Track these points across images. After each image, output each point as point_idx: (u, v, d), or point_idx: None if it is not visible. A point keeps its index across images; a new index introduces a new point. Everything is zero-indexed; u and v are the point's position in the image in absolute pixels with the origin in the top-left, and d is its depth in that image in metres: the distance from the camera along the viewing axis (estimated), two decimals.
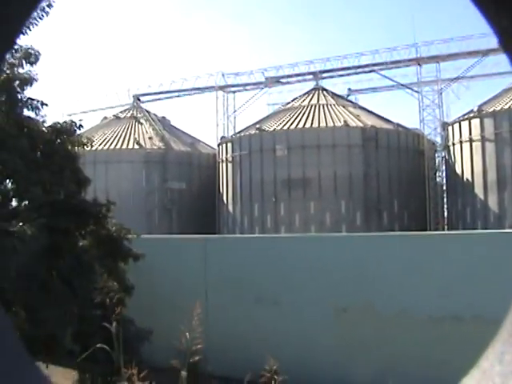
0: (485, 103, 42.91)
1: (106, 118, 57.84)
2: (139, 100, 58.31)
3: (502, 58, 46.86)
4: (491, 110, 40.93)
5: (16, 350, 1.90)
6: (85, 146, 16.64)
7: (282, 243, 19.34)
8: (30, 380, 1.90)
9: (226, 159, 48.30)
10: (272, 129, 45.93)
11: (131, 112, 56.88)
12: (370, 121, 46.38)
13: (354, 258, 16.22)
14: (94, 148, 40.92)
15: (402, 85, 51.46)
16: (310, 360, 16.06)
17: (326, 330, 16.26)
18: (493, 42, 43.81)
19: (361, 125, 45.07)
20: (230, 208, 46.93)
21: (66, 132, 15.68)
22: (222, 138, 51.83)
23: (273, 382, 8.29)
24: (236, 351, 16.80)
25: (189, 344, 6.89)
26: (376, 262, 15.88)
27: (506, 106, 40.19)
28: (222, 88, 54.77)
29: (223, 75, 54.49)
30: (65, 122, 15.82)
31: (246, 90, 55.43)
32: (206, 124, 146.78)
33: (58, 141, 15.63)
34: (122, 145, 50.91)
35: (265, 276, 17.38)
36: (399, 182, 44.66)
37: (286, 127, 45.52)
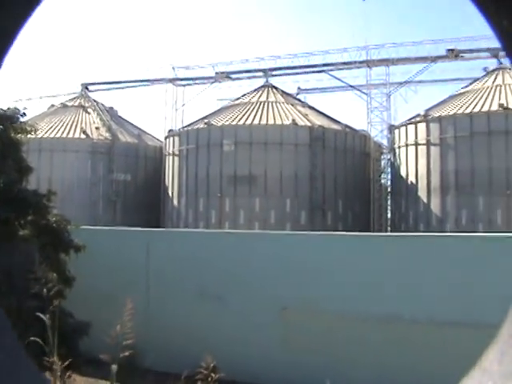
0: (431, 108, 43.61)
1: (52, 105, 57.02)
2: (87, 89, 57.70)
3: (450, 65, 48.06)
4: (437, 115, 41.57)
5: (15, 350, 1.86)
6: (29, 134, 16.36)
7: (225, 239, 19.28)
8: (29, 380, 1.85)
9: (173, 152, 48.08)
10: (220, 124, 45.85)
11: (79, 101, 56.22)
12: (318, 120, 46.62)
13: (298, 257, 16.26)
14: (39, 136, 40.45)
15: (351, 86, 51.91)
16: (250, 357, 16.07)
17: (267, 328, 16.28)
18: (441, 49, 44.72)
19: (309, 124, 45.26)
20: (175, 202, 46.75)
21: (9, 119, 15.39)
22: (170, 131, 51.51)
23: (209, 379, 8.28)
24: (176, 346, 16.70)
25: (120, 338, 6.84)
26: (319, 261, 15.94)
27: (452, 112, 40.87)
28: (171, 81, 54.48)
29: (173, 68, 54.25)
30: (8, 108, 15.53)
31: (196, 83, 55.31)
32: (154, 116, 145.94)
33: (1, 127, 15.33)
34: (68, 134, 50.25)
35: (208, 271, 17.32)
36: (345, 182, 45.00)
37: (233, 123, 45.48)
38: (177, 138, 48.24)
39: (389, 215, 47.58)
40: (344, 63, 49.04)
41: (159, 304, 17.40)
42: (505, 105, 39.05)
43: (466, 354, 11.71)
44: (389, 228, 46.28)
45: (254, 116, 46.10)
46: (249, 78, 54.23)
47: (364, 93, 49.99)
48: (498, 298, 12.93)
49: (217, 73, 52.92)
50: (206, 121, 46.91)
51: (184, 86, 55.55)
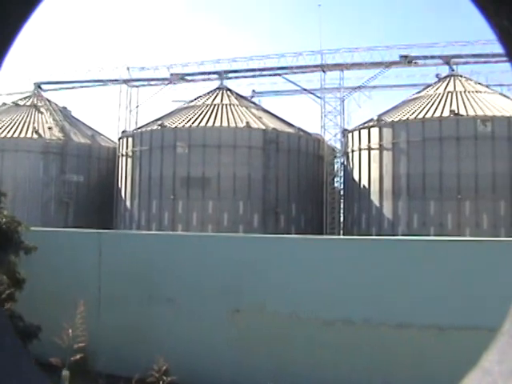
0: (384, 113, 44.12)
1: (4, 104, 56.21)
2: (40, 88, 56.95)
3: (403, 70, 48.60)
4: (390, 120, 42.09)
5: (15, 349, 1.86)
6: None
7: (177, 241, 19.23)
8: (30, 380, 1.85)
9: (126, 154, 47.80)
10: (174, 126, 45.71)
11: (31, 100, 55.49)
12: (272, 123, 46.78)
13: (249, 259, 16.27)
14: None
15: (305, 90, 52.17)
16: (202, 360, 16.04)
17: (219, 330, 16.26)
18: (395, 54, 45.37)
19: (262, 127, 45.40)
20: (128, 203, 46.48)
21: None
22: (123, 132, 51.19)
23: (161, 382, 8.26)
24: (128, 349, 16.59)
25: (71, 342, 6.79)
26: (270, 263, 15.97)
27: (404, 118, 41.40)
28: (126, 81, 54.15)
29: (128, 69, 53.91)
30: None
31: (151, 85, 55.05)
32: (108, 117, 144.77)
33: None
34: (20, 133, 49.63)
35: (159, 273, 17.24)
36: (298, 185, 45.22)
37: (187, 125, 45.38)
38: (130, 139, 47.95)
39: (341, 218, 47.90)
40: (299, 67, 49.33)
41: (111, 306, 17.26)
42: (456, 111, 39.73)
43: (421, 355, 11.82)
44: (341, 231, 46.60)
45: (208, 118, 46.08)
46: (204, 80, 54.15)
47: (318, 97, 50.45)
48: (438, 299, 13.16)
49: (172, 74, 52.77)
50: (159, 122, 46.77)
51: (138, 86, 55.32)
